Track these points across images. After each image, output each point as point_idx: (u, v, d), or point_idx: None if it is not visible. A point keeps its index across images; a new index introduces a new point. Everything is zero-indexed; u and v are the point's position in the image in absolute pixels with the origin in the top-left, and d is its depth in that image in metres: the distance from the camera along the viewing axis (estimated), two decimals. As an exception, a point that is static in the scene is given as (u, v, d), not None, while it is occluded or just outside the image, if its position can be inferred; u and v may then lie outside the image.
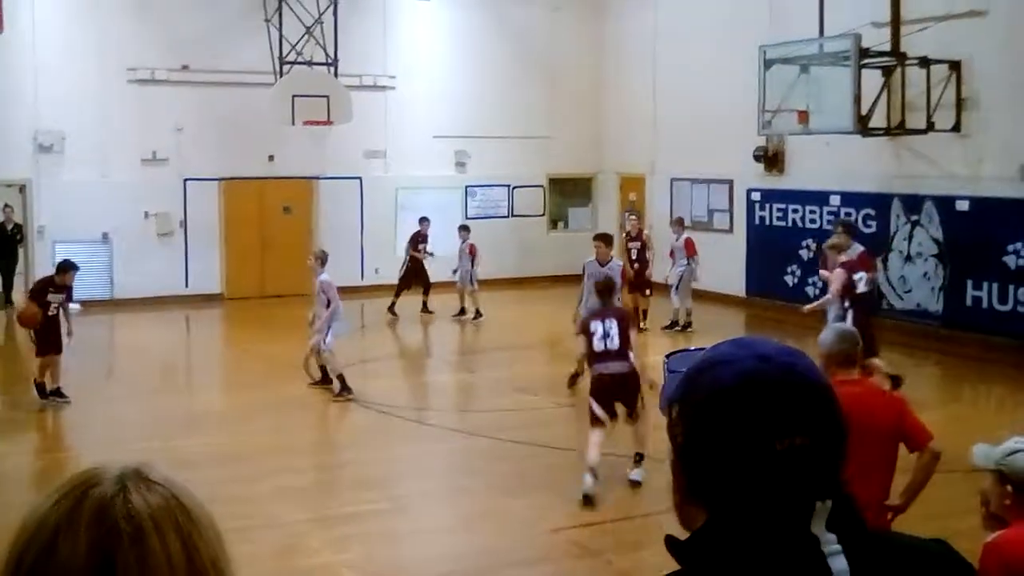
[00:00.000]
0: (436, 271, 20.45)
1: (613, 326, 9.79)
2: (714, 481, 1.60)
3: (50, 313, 13.35)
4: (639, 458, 9.90)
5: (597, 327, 9.81)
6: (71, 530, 1.33)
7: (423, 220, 20.78)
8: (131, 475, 1.39)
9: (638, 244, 18.68)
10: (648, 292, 18.53)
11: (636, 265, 18.46)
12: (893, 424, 5.79)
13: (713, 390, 1.60)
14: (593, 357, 9.90)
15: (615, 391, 9.81)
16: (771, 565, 1.55)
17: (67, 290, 13.73)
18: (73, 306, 20.56)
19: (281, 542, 8.65)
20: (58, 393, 13.26)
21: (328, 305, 13.69)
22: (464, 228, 20.83)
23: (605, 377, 9.77)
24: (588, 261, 13.68)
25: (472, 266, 20.07)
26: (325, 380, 13.94)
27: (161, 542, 1.33)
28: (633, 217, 19.65)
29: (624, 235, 19.39)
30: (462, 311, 20.04)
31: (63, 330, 13.48)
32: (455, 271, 20.14)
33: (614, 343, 9.75)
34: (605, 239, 14.08)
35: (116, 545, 1.31)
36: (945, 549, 1.69)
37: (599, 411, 9.73)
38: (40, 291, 13.66)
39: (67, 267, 13.80)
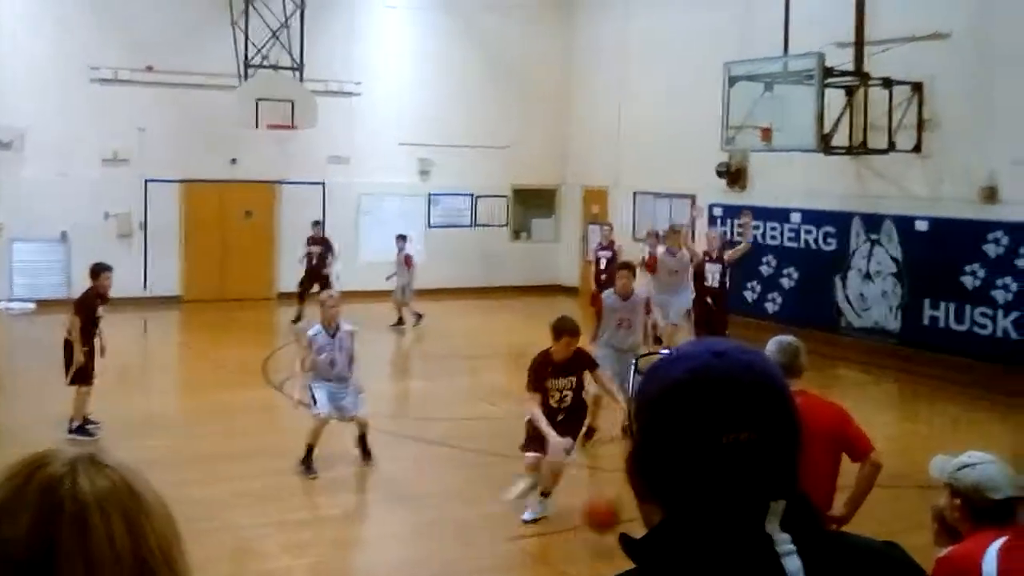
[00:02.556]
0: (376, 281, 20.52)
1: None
2: (665, 477, 1.61)
3: (96, 330, 11.71)
4: None
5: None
6: (15, 509, 1.32)
7: (315, 224, 20.66)
8: (82, 458, 1.38)
9: (609, 254, 18.75)
10: None
11: (604, 276, 18.53)
12: (835, 433, 5.85)
13: (665, 386, 1.62)
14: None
15: None
16: (725, 564, 1.55)
17: (107, 299, 11.97)
18: (27, 305, 20.58)
19: (237, 546, 8.59)
20: (86, 426, 11.64)
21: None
22: (401, 237, 20.40)
23: None
24: (607, 294, 12.07)
25: (409, 276, 19.92)
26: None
27: (105, 524, 1.31)
28: (607, 227, 19.81)
29: (596, 244, 19.58)
30: (399, 321, 19.93)
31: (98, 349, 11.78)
32: (389, 278, 20.07)
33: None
34: (630, 269, 12.43)
35: (58, 525, 1.30)
36: (898, 552, 1.70)
37: None
38: (87, 304, 11.67)
39: (100, 269, 11.85)
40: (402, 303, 19.89)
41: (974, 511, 4.24)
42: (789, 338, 6.23)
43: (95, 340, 11.68)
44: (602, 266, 18.69)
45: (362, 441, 11.00)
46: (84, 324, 11.54)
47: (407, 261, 19.95)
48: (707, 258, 16.04)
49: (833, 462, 5.89)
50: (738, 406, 1.57)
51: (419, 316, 19.92)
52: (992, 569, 3.94)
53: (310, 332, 10.93)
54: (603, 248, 19.03)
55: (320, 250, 20.01)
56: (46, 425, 11.55)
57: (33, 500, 1.32)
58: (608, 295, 11.96)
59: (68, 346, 11.53)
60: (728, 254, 16.16)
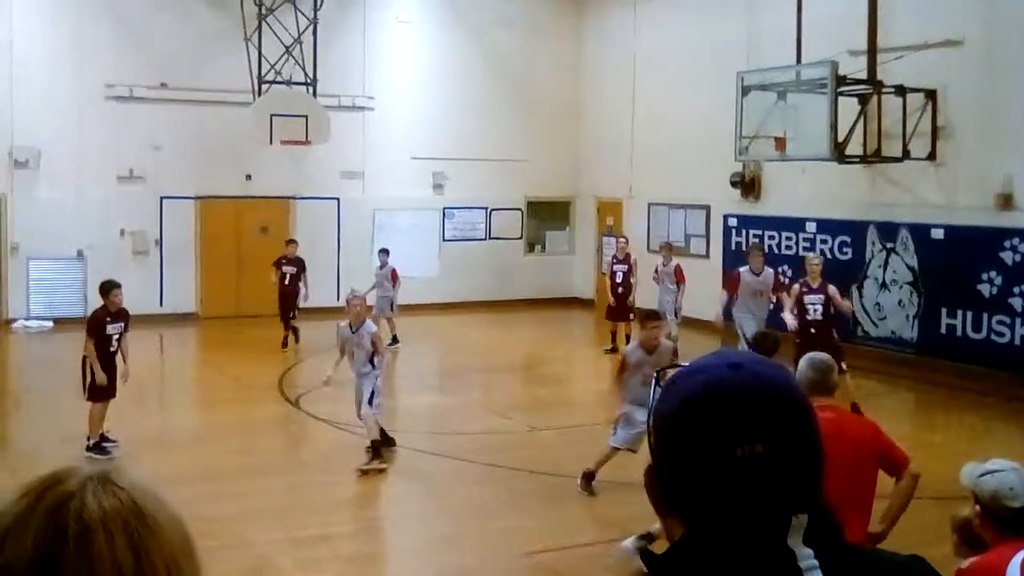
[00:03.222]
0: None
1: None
2: (683, 491, 1.59)
3: (111, 349, 11.59)
4: None
5: None
6: (23, 527, 1.31)
7: (289, 242, 19.84)
8: (95, 477, 1.37)
9: (624, 267, 18.74)
10: (631, 317, 18.52)
11: (620, 289, 18.54)
12: (871, 450, 5.79)
13: (682, 399, 1.61)
14: None
15: None
16: None
17: (125, 317, 11.80)
18: (45, 323, 20.65)
19: (251, 563, 8.58)
20: (102, 443, 11.62)
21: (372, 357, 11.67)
22: (384, 251, 19.77)
23: None
24: (630, 348, 11.00)
25: (393, 291, 19.15)
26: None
27: (108, 544, 1.30)
28: (622, 240, 19.67)
29: (611, 257, 19.49)
30: (394, 339, 18.90)
31: (119, 369, 11.72)
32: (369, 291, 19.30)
33: None
34: (656, 319, 11.23)
35: (62, 544, 1.30)
36: (924, 566, 1.68)
37: None
38: (98, 324, 11.61)
39: (109, 286, 11.72)
40: (386, 318, 18.83)
41: (995, 519, 4.20)
42: (821, 355, 6.22)
43: (116, 358, 11.67)
44: (618, 279, 18.68)
45: (371, 446, 11.46)
46: (97, 343, 11.49)
47: (393, 276, 19.20)
48: (805, 289, 14.16)
49: (869, 479, 5.82)
50: (753, 418, 1.56)
51: (395, 339, 18.80)
52: None
53: (339, 324, 11.94)
54: (619, 262, 18.95)
55: (295, 271, 19.06)
56: (62, 442, 11.59)
57: (40, 519, 1.32)
58: (632, 349, 10.74)
59: (85, 363, 11.56)
60: (836, 295, 14.24)
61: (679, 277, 18.49)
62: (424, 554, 9.21)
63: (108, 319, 11.57)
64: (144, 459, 11.24)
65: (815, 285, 14.08)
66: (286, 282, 19.03)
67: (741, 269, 15.96)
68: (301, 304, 19.10)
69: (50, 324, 20.49)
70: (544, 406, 14.81)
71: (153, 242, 21.92)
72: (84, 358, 11.57)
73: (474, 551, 9.04)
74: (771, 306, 15.89)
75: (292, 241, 19.89)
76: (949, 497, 9.54)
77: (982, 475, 4.28)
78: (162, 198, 21.86)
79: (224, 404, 14.80)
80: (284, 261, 19.20)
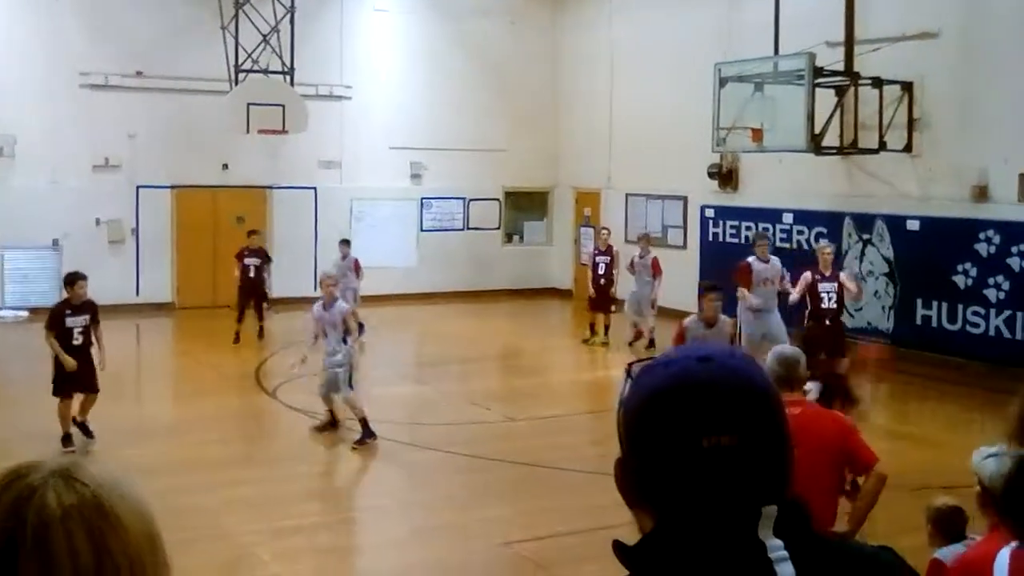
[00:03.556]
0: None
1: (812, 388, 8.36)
2: (651, 483, 1.60)
3: (74, 342, 11.23)
4: None
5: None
6: None
7: (251, 233, 19.35)
8: (57, 472, 1.36)
9: (607, 259, 18.69)
10: (612, 308, 18.55)
11: (602, 281, 18.52)
12: (837, 446, 5.68)
13: (649, 391, 1.61)
14: None
15: None
16: (717, 571, 1.54)
17: (91, 309, 11.42)
18: (20, 313, 20.51)
19: (229, 554, 8.56)
20: (84, 428, 11.45)
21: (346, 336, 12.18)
22: (345, 242, 19.20)
23: None
24: (690, 320, 11.04)
25: (357, 282, 18.58)
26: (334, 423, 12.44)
27: (67, 540, 1.30)
28: (604, 231, 19.60)
29: (593, 248, 19.34)
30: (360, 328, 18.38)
31: (96, 361, 11.40)
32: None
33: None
34: (715, 290, 11.33)
35: (21, 539, 1.30)
36: (893, 557, 1.70)
37: None
38: (56, 317, 11.28)
39: (73, 278, 11.39)
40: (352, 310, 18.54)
41: (994, 502, 4.23)
42: (789, 349, 6.15)
43: (89, 353, 11.39)
44: (600, 271, 18.62)
45: (362, 424, 11.78)
46: (58, 336, 11.20)
47: (356, 267, 18.66)
48: (819, 277, 13.82)
49: (835, 475, 5.73)
50: (719, 410, 1.56)
51: (361, 327, 17.75)
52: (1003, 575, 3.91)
53: (314, 306, 12.38)
54: (600, 253, 18.87)
55: (258, 262, 18.64)
56: (38, 434, 11.50)
57: (2, 513, 1.32)
58: (691, 321, 10.67)
59: (57, 360, 11.32)
60: (849, 280, 14.19)
61: (656, 269, 18.48)
62: (402, 545, 9.21)
63: (68, 312, 11.24)
64: (121, 450, 11.20)
65: (827, 273, 13.92)
66: (250, 274, 18.49)
67: (749, 259, 15.16)
68: (269, 295, 18.84)
69: (25, 314, 20.37)
70: (522, 396, 14.83)
71: (129, 231, 21.81)
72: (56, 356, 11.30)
73: (453, 542, 9.05)
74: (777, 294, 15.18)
75: (255, 232, 19.43)
76: (924, 487, 9.62)
77: (985, 458, 4.33)
78: (138, 187, 21.75)
79: (201, 394, 14.76)
80: (247, 252, 18.64)
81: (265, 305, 18.77)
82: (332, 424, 12.29)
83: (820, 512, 5.45)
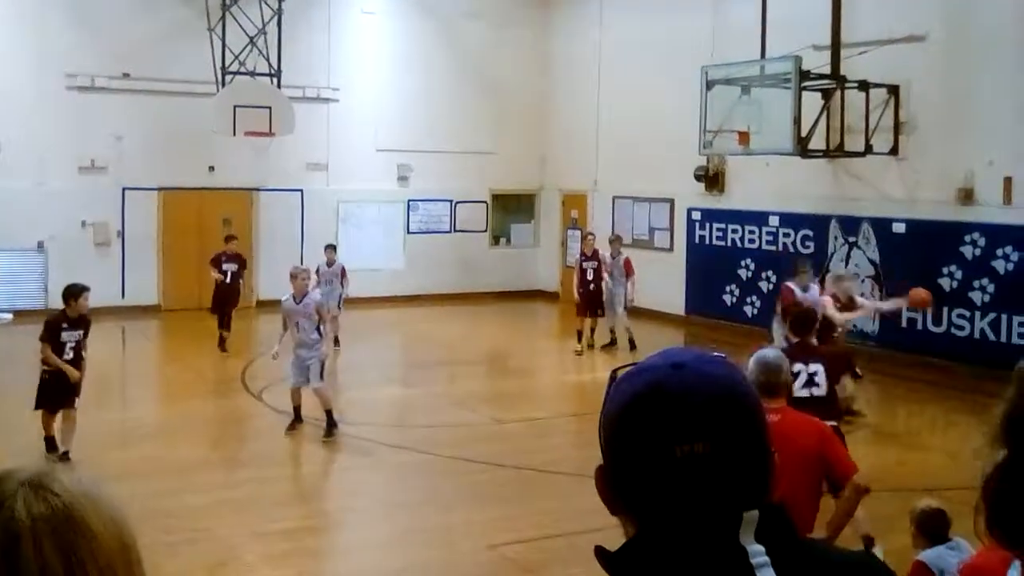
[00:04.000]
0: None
1: (819, 370, 8.13)
2: (629, 490, 1.61)
3: (65, 356, 10.81)
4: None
5: (800, 370, 7.91)
6: None
7: (229, 238, 18.75)
8: (28, 482, 1.35)
9: (594, 264, 18.43)
10: (600, 313, 18.47)
11: (592, 286, 18.33)
12: (815, 454, 5.58)
13: (624, 398, 1.61)
14: None
15: None
16: None
17: (86, 324, 11.04)
18: (4, 315, 20.43)
19: (215, 557, 8.54)
20: (66, 459, 10.58)
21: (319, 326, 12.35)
22: (331, 247, 18.60)
23: None
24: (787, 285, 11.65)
25: (343, 289, 18.18)
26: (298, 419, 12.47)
27: (36, 551, 1.29)
28: (590, 236, 19.34)
29: (579, 255, 18.92)
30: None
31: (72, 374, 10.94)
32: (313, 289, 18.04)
33: (820, 390, 8.08)
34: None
35: None
36: (874, 562, 1.70)
37: None
38: (52, 329, 10.86)
39: (78, 290, 10.95)
40: (331, 317, 16.54)
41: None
42: (771, 354, 5.95)
43: (73, 362, 10.92)
44: (589, 276, 18.39)
45: (328, 415, 12.07)
46: (54, 348, 10.82)
47: (343, 274, 18.17)
48: (839, 305, 13.28)
49: (813, 484, 5.61)
50: (692, 417, 1.56)
51: (336, 340, 17.20)
52: None
53: (283, 299, 12.56)
54: (587, 259, 18.60)
55: (236, 268, 18.20)
56: (20, 437, 11.45)
57: None
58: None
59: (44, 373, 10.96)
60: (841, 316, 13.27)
61: (629, 270, 18.47)
62: (389, 547, 9.20)
63: (65, 325, 10.85)
64: (106, 453, 11.16)
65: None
66: (227, 280, 18.04)
67: (791, 285, 14.15)
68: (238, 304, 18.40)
69: (10, 316, 20.29)
70: (509, 398, 14.83)
71: (115, 234, 21.75)
72: (44, 367, 10.91)
73: (438, 544, 9.04)
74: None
75: (232, 237, 18.90)
76: (908, 489, 9.64)
77: None
78: (124, 189, 21.69)
79: (187, 397, 14.72)
80: (224, 258, 18.17)
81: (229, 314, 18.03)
82: (297, 420, 12.37)
83: (799, 520, 5.36)
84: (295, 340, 12.33)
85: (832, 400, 8.31)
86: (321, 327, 12.33)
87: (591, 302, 18.40)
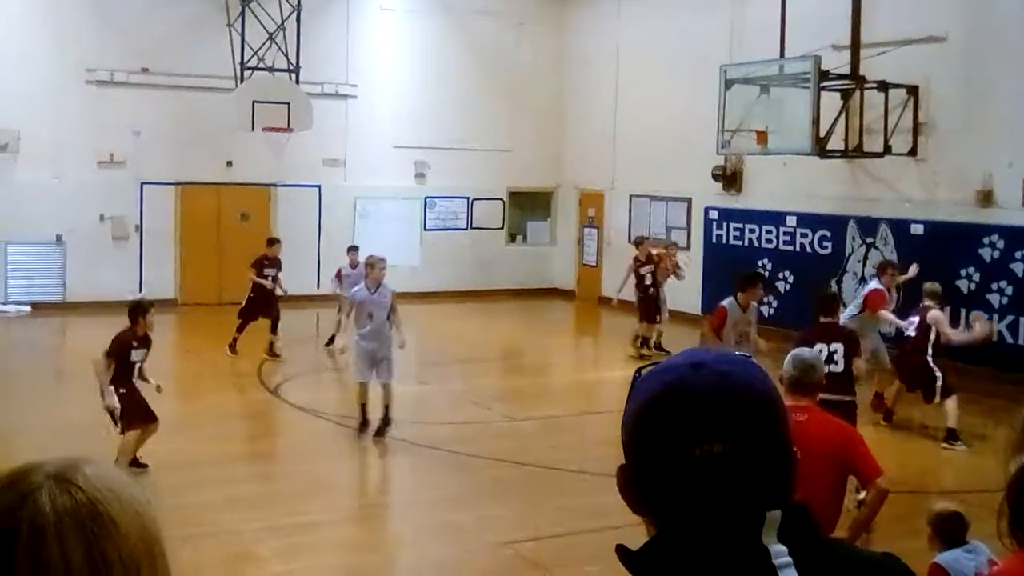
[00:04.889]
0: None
1: (839, 349, 8.52)
2: (649, 490, 1.61)
3: (133, 377, 10.34)
4: None
5: (821, 348, 8.24)
6: None
7: (272, 241, 17.81)
8: (53, 475, 1.36)
9: (651, 268, 17.78)
10: (657, 319, 17.84)
11: (652, 290, 17.72)
12: (841, 455, 5.60)
13: (644, 399, 1.62)
14: None
15: None
16: None
17: (148, 343, 10.56)
18: (23, 308, 20.53)
19: (230, 550, 8.57)
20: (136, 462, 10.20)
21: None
22: (354, 249, 17.99)
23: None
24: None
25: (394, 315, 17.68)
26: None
27: (60, 545, 1.30)
28: (646, 240, 18.52)
29: (633, 259, 18.06)
30: (332, 340, 17.32)
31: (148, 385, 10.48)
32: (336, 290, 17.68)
33: (838, 367, 8.42)
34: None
35: (15, 544, 1.30)
36: (896, 563, 1.69)
37: None
38: (122, 347, 10.26)
39: (146, 307, 10.54)
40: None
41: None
42: (808, 352, 6.00)
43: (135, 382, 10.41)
44: (648, 282, 17.64)
45: (385, 411, 11.83)
46: (118, 368, 10.18)
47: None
48: (636, 262, 14.19)
49: (837, 484, 5.65)
50: (710, 417, 1.56)
51: (332, 339, 17.30)
52: None
53: (355, 290, 12.47)
54: (642, 264, 17.77)
55: (275, 272, 17.20)
56: (38, 429, 11.51)
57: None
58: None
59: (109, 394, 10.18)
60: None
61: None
62: (403, 543, 9.23)
63: (135, 344, 10.29)
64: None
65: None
66: (268, 287, 17.04)
67: (878, 287, 14.18)
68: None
69: (28, 309, 20.39)
70: (523, 396, 14.84)
71: (133, 228, 21.83)
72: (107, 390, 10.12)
73: (453, 541, 9.05)
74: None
75: (276, 240, 17.92)
76: (925, 491, 9.62)
77: None
78: (142, 183, 21.77)
79: (204, 392, 14.76)
80: (266, 262, 17.19)
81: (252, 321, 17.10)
82: (365, 422, 11.96)
83: (821, 520, 5.36)
84: (362, 333, 11.99)
85: (848, 376, 9.04)
86: (392, 317, 12.18)
87: (651, 307, 17.66)
